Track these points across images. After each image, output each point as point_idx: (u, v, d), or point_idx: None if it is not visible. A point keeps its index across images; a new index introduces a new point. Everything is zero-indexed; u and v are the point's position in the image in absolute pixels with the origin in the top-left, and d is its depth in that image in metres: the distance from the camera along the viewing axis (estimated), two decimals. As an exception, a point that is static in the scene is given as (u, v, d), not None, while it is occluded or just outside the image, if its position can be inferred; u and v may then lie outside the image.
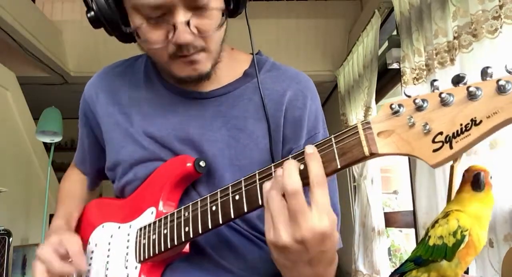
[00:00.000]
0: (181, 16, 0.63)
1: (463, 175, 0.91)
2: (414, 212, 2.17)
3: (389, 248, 3.20)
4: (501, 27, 1.29)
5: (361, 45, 2.74)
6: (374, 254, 2.52)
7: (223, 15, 0.68)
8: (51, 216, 3.01)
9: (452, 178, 1.17)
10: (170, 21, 0.63)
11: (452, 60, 1.53)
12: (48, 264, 0.70)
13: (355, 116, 2.88)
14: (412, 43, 1.90)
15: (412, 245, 2.96)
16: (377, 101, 2.64)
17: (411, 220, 2.23)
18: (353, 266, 2.83)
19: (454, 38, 1.50)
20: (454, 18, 1.51)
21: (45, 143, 3.47)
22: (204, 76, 0.72)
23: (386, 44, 2.52)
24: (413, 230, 2.22)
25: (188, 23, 0.63)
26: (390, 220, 2.67)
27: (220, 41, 0.72)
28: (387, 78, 2.68)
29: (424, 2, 1.79)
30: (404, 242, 3.51)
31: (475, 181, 0.88)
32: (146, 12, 0.63)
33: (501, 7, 1.29)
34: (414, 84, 1.84)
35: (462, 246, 0.84)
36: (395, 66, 2.33)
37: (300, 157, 0.53)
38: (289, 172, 0.50)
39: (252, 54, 0.80)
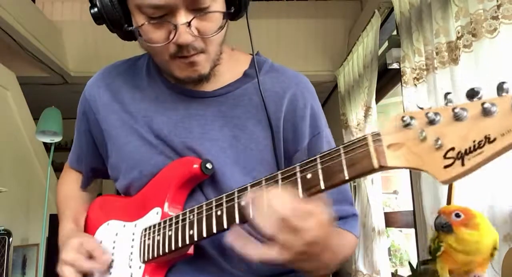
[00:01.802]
0: (183, 17, 0.64)
1: None
2: (414, 212, 2.18)
3: (389, 248, 3.20)
4: (499, 26, 1.29)
5: (361, 45, 2.74)
6: (374, 254, 2.52)
7: (224, 18, 0.69)
8: (51, 216, 3.02)
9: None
10: (171, 22, 0.64)
11: (454, 60, 1.53)
12: (77, 264, 0.72)
13: (355, 116, 2.88)
14: (412, 43, 1.89)
15: (412, 245, 2.96)
16: (377, 101, 2.64)
17: (411, 220, 2.23)
18: (353, 266, 2.83)
19: (457, 38, 1.50)
20: (456, 18, 1.51)
21: (45, 143, 3.46)
22: (203, 78, 0.73)
23: (386, 44, 2.52)
24: (413, 230, 2.22)
25: (189, 25, 0.64)
26: (390, 220, 2.67)
27: (220, 44, 0.73)
28: (387, 78, 2.68)
29: (424, 2, 1.79)
30: (404, 242, 3.51)
31: (436, 227, 0.92)
32: (148, 11, 0.64)
33: (499, 7, 1.29)
34: (415, 84, 1.84)
35: (438, 253, 0.95)
36: (395, 66, 2.33)
37: (308, 166, 0.54)
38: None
39: (252, 54, 0.81)
